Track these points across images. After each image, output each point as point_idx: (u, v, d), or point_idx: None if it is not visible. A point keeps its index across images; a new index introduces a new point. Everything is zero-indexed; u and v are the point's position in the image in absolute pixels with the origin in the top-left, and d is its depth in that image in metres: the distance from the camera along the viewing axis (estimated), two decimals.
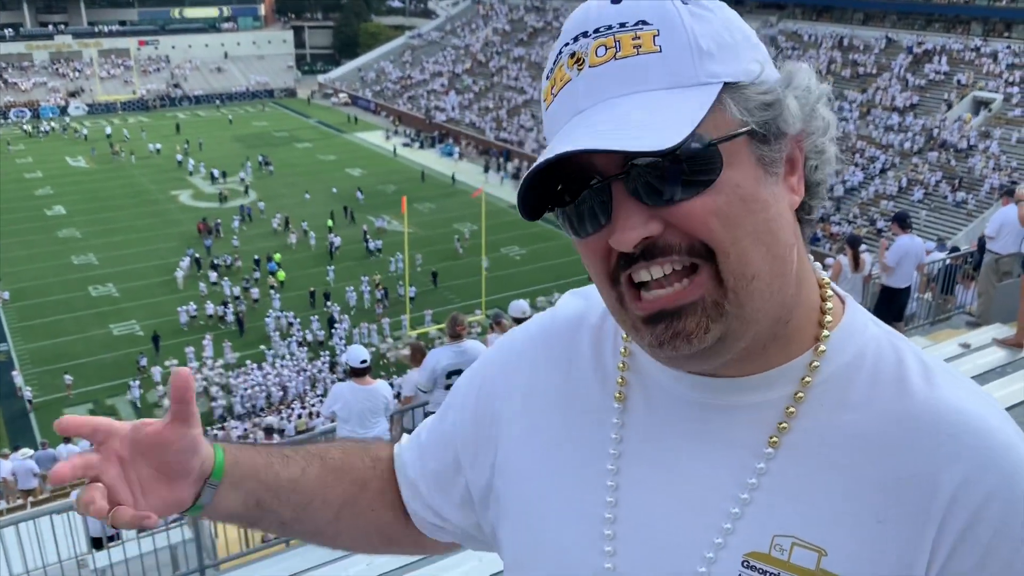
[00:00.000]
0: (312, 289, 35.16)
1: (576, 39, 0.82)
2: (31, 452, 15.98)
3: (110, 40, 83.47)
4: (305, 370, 29.57)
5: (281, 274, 36.48)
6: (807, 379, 0.87)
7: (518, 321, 8.17)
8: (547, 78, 0.85)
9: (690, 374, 0.90)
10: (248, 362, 29.95)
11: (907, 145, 41.39)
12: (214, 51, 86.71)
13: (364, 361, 7.19)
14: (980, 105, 41.87)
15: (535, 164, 0.78)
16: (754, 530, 0.84)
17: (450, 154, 58.85)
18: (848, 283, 9.10)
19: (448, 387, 6.71)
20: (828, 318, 0.90)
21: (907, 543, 0.80)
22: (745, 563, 0.84)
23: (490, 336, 10.11)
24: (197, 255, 38.58)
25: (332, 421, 7.34)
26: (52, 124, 68.15)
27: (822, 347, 0.88)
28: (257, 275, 36.96)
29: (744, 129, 0.79)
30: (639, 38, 0.78)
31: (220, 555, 6.71)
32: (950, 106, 42.60)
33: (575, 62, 0.81)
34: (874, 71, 48.12)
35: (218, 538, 6.87)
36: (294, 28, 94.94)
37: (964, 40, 46.64)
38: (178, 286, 35.91)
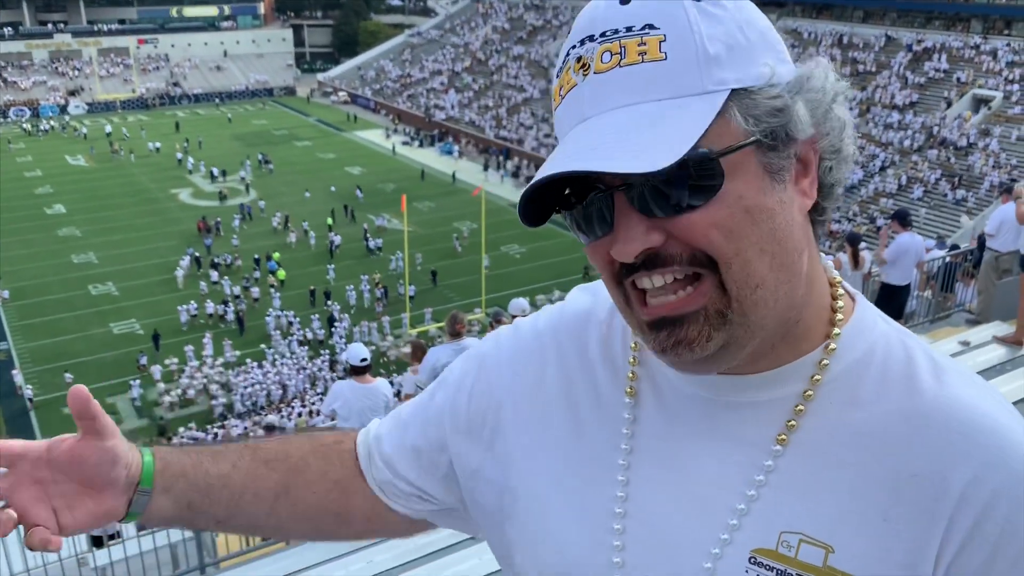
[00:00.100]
0: (312, 288, 35.19)
1: (583, 42, 0.81)
2: None
3: (109, 39, 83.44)
4: (305, 368, 29.62)
5: (281, 273, 36.50)
6: (817, 377, 0.87)
7: None
8: (557, 77, 0.85)
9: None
10: (248, 361, 29.96)
11: (907, 143, 41.40)
12: (213, 50, 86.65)
13: (364, 359, 7.19)
14: (980, 103, 41.87)
15: (535, 179, 0.78)
16: (761, 527, 0.84)
17: (450, 152, 58.85)
18: (848, 281, 8.93)
19: None
20: (839, 316, 0.89)
21: (915, 541, 0.79)
22: (752, 559, 0.84)
23: None
24: (197, 254, 38.60)
25: (332, 419, 7.34)
26: (52, 123, 68.11)
27: (832, 345, 0.87)
28: (257, 274, 36.98)
29: (748, 140, 0.78)
30: (645, 44, 0.77)
31: (220, 553, 6.72)
32: (950, 104, 42.59)
33: (581, 67, 0.80)
34: (874, 69, 48.12)
35: (218, 537, 6.87)
36: (293, 26, 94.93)
37: (964, 38, 46.63)
38: (178, 285, 35.92)
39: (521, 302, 8.92)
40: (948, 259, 10.71)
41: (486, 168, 54.29)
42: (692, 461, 0.89)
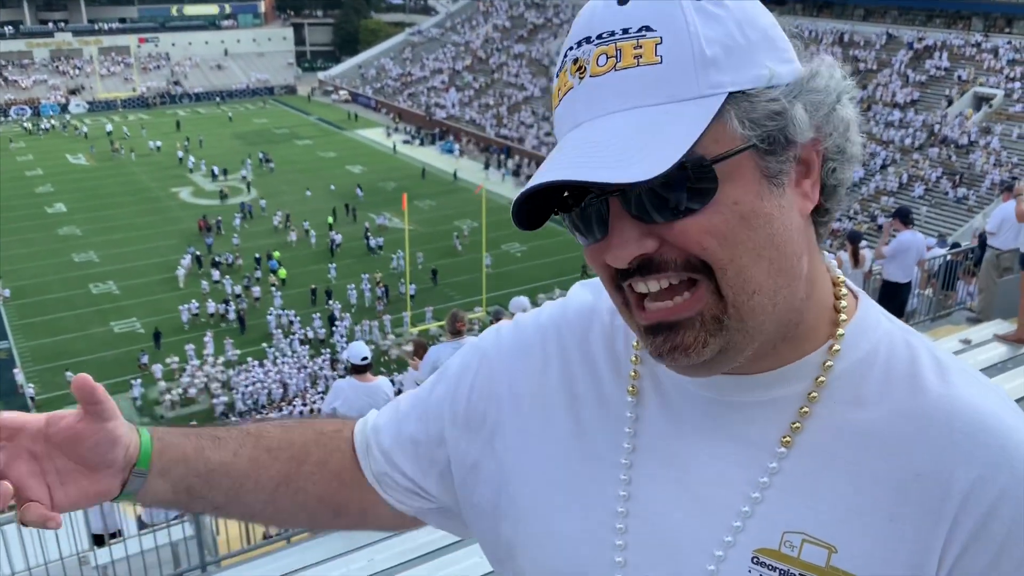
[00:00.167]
0: (313, 287, 35.20)
1: (580, 44, 0.80)
2: None
3: (110, 38, 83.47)
4: (306, 367, 29.64)
5: (282, 272, 36.52)
6: (820, 377, 0.86)
7: None
8: (556, 78, 0.84)
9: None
10: (249, 359, 29.97)
11: (908, 141, 41.38)
12: (214, 48, 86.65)
13: (365, 358, 7.19)
14: (981, 101, 41.86)
15: (527, 187, 0.77)
16: (764, 527, 0.84)
17: (450, 151, 58.84)
18: (848, 279, 9.11)
19: None
20: (842, 316, 0.89)
21: (918, 541, 0.79)
22: (755, 559, 0.84)
23: None
24: (198, 253, 38.63)
25: None
26: (52, 122, 68.14)
27: (836, 345, 0.87)
28: (258, 273, 37.00)
29: (744, 146, 0.76)
30: (641, 47, 0.76)
31: (221, 552, 6.71)
32: (951, 102, 42.58)
33: (577, 69, 0.80)
34: (875, 67, 48.08)
35: (219, 535, 6.88)
36: (294, 25, 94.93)
37: (965, 36, 46.61)
38: (179, 284, 35.96)
39: (522, 300, 8.92)
40: (949, 257, 10.71)
41: (487, 167, 54.28)
42: (695, 461, 0.89)
